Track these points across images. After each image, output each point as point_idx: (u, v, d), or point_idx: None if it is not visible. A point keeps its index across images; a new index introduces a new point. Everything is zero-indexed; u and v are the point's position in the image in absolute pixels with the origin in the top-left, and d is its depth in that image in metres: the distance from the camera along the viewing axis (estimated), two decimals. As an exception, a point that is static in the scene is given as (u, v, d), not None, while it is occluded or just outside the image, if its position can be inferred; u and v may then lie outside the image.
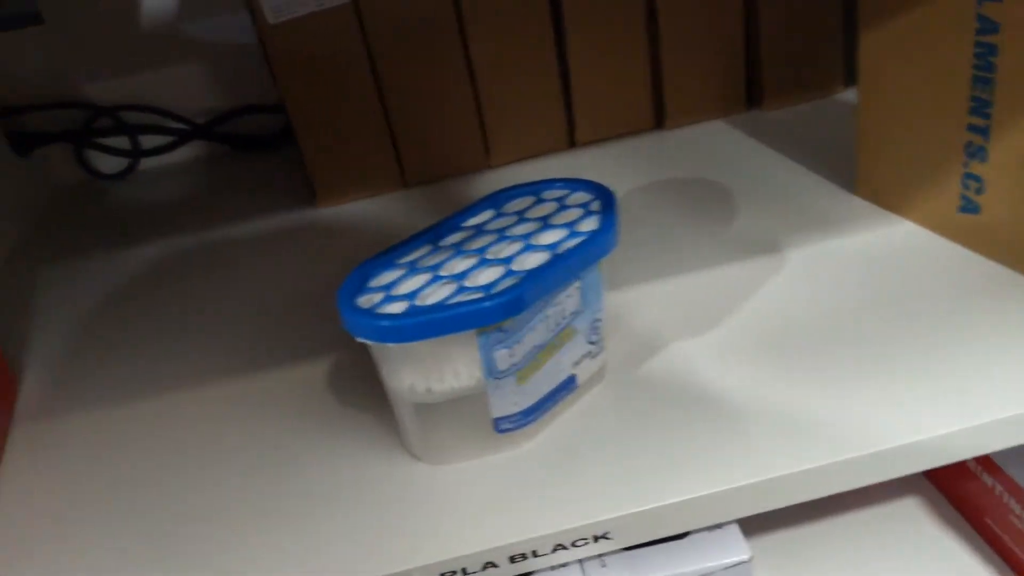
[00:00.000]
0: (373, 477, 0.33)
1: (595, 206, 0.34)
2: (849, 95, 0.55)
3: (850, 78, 0.56)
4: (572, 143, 0.56)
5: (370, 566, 0.29)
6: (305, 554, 0.30)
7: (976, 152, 0.35)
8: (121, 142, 0.69)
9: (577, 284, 0.32)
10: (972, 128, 0.35)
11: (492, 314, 0.29)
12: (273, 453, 0.35)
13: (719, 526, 0.32)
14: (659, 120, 0.56)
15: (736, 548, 0.31)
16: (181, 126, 0.69)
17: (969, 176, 0.36)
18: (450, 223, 0.35)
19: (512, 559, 0.30)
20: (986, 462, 0.44)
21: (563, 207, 0.34)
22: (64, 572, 0.31)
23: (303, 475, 0.34)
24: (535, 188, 0.36)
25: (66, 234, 0.60)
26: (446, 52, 0.52)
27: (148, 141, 0.69)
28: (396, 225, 0.51)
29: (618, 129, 0.56)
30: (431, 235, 0.34)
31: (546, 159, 0.55)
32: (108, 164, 0.70)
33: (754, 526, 0.50)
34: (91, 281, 0.52)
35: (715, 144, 0.53)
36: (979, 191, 0.36)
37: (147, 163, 0.70)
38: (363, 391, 0.38)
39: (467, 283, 0.30)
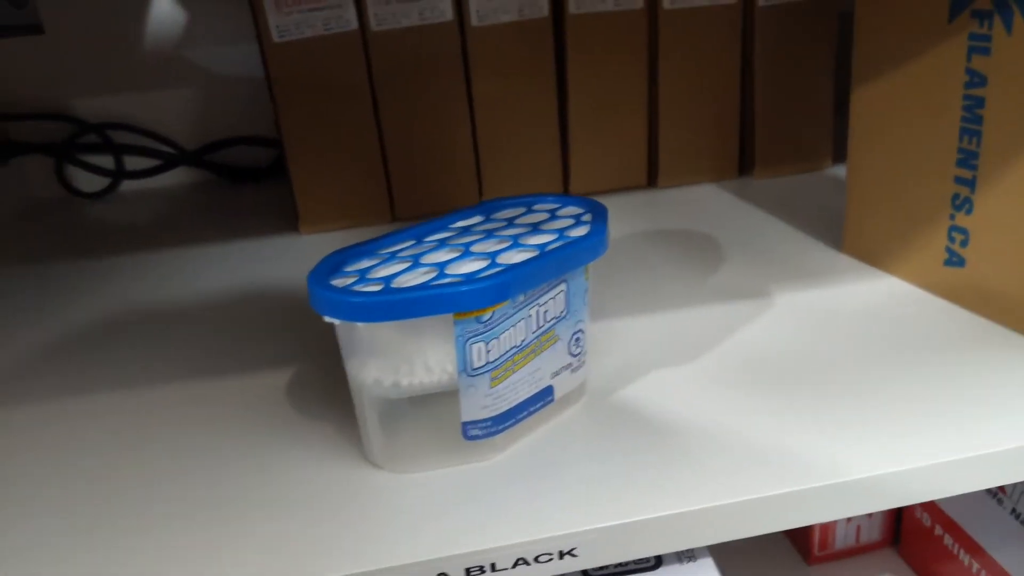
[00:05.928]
0: (328, 483, 0.30)
1: (586, 218, 0.33)
2: (837, 171, 0.56)
3: (838, 155, 0.58)
4: (566, 192, 0.56)
5: (313, 571, 0.26)
6: (249, 556, 0.27)
7: (962, 204, 0.35)
8: (105, 161, 0.68)
9: (562, 287, 0.30)
10: (959, 180, 0.35)
11: (472, 299, 0.27)
12: (229, 458, 0.32)
13: (692, 558, 0.30)
14: (652, 179, 0.57)
15: (711, 582, 0.29)
16: (169, 150, 0.69)
17: (955, 229, 0.36)
18: (437, 223, 0.34)
19: (468, 571, 0.27)
20: (965, 541, 0.42)
21: (554, 217, 0.34)
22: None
23: (257, 479, 0.31)
24: (527, 200, 0.36)
25: (36, 242, 0.58)
26: (449, 89, 0.52)
27: (133, 163, 0.69)
28: (377, 252, 0.50)
29: (612, 183, 0.56)
30: (416, 231, 0.33)
31: (534, 206, 0.55)
32: (88, 182, 0.68)
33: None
34: (57, 287, 0.50)
35: (705, 203, 0.53)
36: (964, 244, 0.36)
37: (128, 185, 0.69)
38: (326, 402, 0.36)
39: (448, 271, 0.29)
